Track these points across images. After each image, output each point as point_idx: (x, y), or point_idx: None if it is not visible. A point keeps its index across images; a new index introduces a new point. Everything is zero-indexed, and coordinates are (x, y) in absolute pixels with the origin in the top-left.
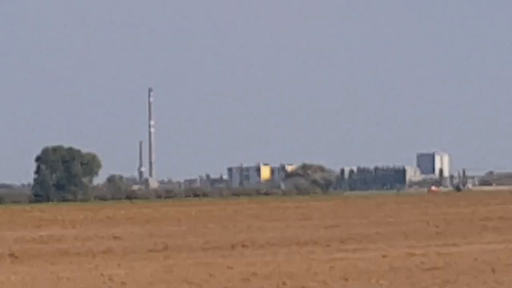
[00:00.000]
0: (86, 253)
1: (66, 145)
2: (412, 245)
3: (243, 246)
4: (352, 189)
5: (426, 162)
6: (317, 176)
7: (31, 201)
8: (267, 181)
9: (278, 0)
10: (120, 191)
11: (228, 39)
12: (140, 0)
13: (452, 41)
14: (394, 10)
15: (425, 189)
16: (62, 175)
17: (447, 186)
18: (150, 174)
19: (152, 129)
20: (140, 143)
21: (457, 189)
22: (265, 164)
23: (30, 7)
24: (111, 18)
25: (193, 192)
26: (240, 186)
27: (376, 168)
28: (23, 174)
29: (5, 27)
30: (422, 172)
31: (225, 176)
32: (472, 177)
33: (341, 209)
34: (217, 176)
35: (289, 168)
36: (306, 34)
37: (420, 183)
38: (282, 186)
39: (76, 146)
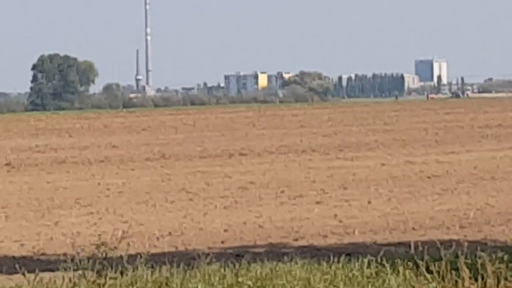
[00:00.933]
0: (83, 162)
1: (62, 53)
2: (411, 153)
3: (241, 154)
4: (350, 96)
5: (424, 69)
6: (315, 83)
7: (27, 110)
8: (265, 88)
9: None
10: (116, 100)
11: None
12: None
13: None
14: None
15: (424, 97)
16: (59, 84)
17: (446, 93)
18: (147, 83)
19: (149, 37)
20: (137, 51)
21: (456, 96)
22: (263, 72)
23: None
24: None
25: (190, 100)
26: (237, 93)
27: (374, 75)
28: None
29: None
30: (421, 79)
31: (222, 84)
32: (471, 84)
33: (339, 116)
34: (214, 84)
35: (286, 76)
36: None
37: (418, 90)
38: (280, 93)
39: (72, 55)
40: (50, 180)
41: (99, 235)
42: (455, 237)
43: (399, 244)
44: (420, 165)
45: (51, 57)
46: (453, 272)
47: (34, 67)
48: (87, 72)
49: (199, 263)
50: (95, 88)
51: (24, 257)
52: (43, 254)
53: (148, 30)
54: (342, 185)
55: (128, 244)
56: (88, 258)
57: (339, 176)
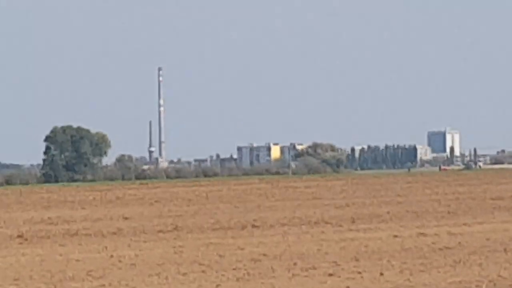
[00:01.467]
0: (95, 234)
1: (75, 124)
2: (423, 224)
3: (254, 226)
4: (363, 168)
5: (437, 140)
6: (328, 155)
7: (40, 182)
8: (277, 160)
9: None
10: (129, 171)
11: (237, 17)
12: None
13: (464, 20)
14: None
15: (436, 168)
16: (71, 155)
17: (458, 165)
18: (160, 154)
19: (162, 108)
20: (150, 123)
21: (469, 167)
22: (275, 144)
23: None
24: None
25: (203, 172)
26: (250, 165)
27: (387, 147)
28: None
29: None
30: (433, 151)
31: (235, 156)
32: (484, 156)
33: (351, 188)
34: (227, 155)
35: (299, 147)
36: (312, 16)
37: (431, 162)
38: (293, 165)
39: (85, 126)
40: (63, 252)
41: None
42: None
43: None
44: (432, 237)
45: (64, 129)
46: None
47: (46, 139)
48: (100, 144)
49: None
50: (108, 159)
51: None
52: None
53: (161, 102)
54: (355, 257)
55: None
56: None
57: (352, 248)
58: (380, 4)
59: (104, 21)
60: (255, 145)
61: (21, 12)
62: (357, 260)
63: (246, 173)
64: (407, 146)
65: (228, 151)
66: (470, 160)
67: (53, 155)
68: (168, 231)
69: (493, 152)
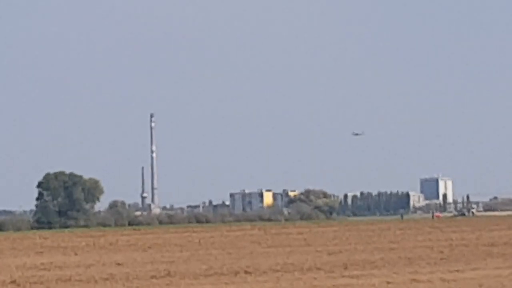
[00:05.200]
0: (88, 280)
1: (68, 170)
2: (416, 271)
3: (246, 272)
4: (355, 214)
5: (429, 187)
6: (320, 201)
7: (33, 228)
8: (270, 207)
9: (284, 26)
10: (122, 217)
11: (228, 65)
12: (141, 26)
13: (455, 67)
14: (397, 26)
15: (429, 215)
16: (64, 201)
17: (451, 212)
18: (153, 200)
19: (154, 154)
20: (142, 169)
21: (461, 214)
22: (268, 190)
23: (33, 30)
24: (113, 43)
25: (196, 218)
26: (242, 212)
27: (380, 193)
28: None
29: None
30: (426, 197)
31: (227, 202)
32: (477, 203)
33: (344, 235)
34: (219, 201)
35: (292, 194)
36: (310, 58)
37: (423, 208)
38: (285, 212)
39: (78, 172)
40: None
41: None
42: None
43: None
44: (425, 283)
45: (57, 175)
46: None
47: (39, 185)
48: (92, 190)
49: None
50: (101, 205)
51: None
52: None
53: (153, 148)
54: None
55: None
56: None
57: None
58: (372, 46)
59: (97, 67)
60: (247, 191)
61: (19, 55)
62: None
63: (238, 220)
64: (400, 193)
65: (220, 197)
66: (464, 207)
67: (46, 201)
68: (161, 276)
69: (486, 199)
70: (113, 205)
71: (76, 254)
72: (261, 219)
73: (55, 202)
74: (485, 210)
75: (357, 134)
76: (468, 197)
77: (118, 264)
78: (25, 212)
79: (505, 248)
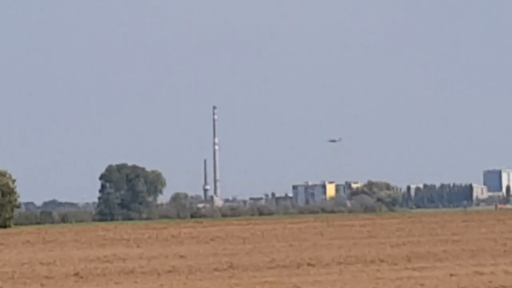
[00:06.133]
0: (151, 273)
1: (130, 163)
2: (480, 263)
3: (309, 264)
4: (418, 206)
5: (493, 179)
6: (383, 193)
7: (95, 220)
8: (333, 199)
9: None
10: (184, 210)
11: (289, 59)
12: (204, 21)
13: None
14: (453, 27)
15: (492, 207)
16: (127, 194)
17: None
18: (215, 192)
19: (217, 147)
20: (205, 161)
21: None
22: (331, 182)
23: (94, 25)
24: (175, 37)
25: (258, 210)
26: (305, 204)
27: (443, 186)
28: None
29: (76, 48)
30: (489, 189)
31: (290, 194)
32: None
33: (407, 227)
34: (282, 194)
35: (354, 186)
36: (363, 55)
37: (487, 200)
38: (348, 204)
39: (140, 164)
40: None
41: None
42: None
43: None
44: (489, 276)
45: (119, 167)
46: None
47: (102, 177)
48: (155, 182)
49: None
50: (163, 198)
51: None
52: None
53: (216, 140)
54: None
55: None
56: None
57: (408, 287)
58: (428, 42)
59: (159, 60)
60: (310, 183)
61: (80, 53)
62: None
63: (301, 212)
64: (463, 185)
65: (283, 189)
66: None
67: (109, 193)
68: (223, 269)
69: None
70: (176, 198)
71: (138, 246)
72: (324, 211)
73: (117, 194)
74: None
75: (333, 141)
76: None
77: (181, 256)
78: (87, 204)
79: None
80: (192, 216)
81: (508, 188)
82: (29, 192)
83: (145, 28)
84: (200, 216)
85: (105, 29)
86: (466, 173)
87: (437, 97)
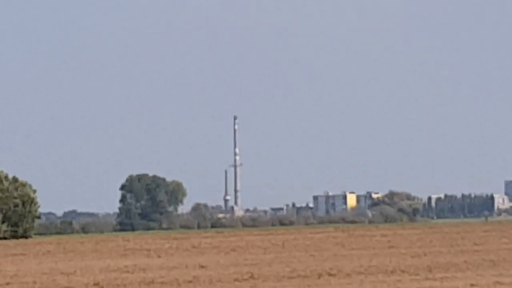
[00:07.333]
0: (171, 283)
1: (151, 173)
2: (500, 273)
3: (330, 274)
4: (439, 217)
5: None
6: (404, 204)
7: (115, 230)
8: (353, 209)
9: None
10: (205, 220)
11: (311, 67)
12: (227, 30)
13: None
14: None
15: None
16: (147, 204)
17: None
18: (236, 203)
19: (237, 157)
20: (226, 172)
21: None
22: (351, 192)
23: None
24: (197, 46)
25: (279, 220)
26: (326, 214)
27: (464, 196)
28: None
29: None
30: (511, 200)
31: (311, 204)
32: None
33: (428, 237)
34: (303, 204)
35: (375, 196)
36: (383, 64)
37: (508, 211)
38: (369, 214)
39: (161, 175)
40: None
41: None
42: None
43: None
44: (509, 286)
45: (140, 177)
46: None
47: (122, 187)
48: (175, 192)
49: None
50: (184, 208)
51: None
52: None
53: (237, 150)
54: None
55: None
56: None
57: None
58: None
59: (181, 70)
60: (331, 193)
61: (103, 65)
62: None
63: (322, 222)
64: (484, 195)
65: (304, 199)
66: None
67: (129, 203)
68: (244, 279)
69: None
70: (196, 208)
71: (159, 256)
72: (345, 221)
73: (138, 204)
74: None
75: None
76: None
77: (202, 266)
78: (108, 214)
79: None
80: (212, 226)
81: None
82: (50, 202)
83: (167, 40)
84: (220, 226)
85: (126, 41)
86: (488, 183)
87: (459, 108)
